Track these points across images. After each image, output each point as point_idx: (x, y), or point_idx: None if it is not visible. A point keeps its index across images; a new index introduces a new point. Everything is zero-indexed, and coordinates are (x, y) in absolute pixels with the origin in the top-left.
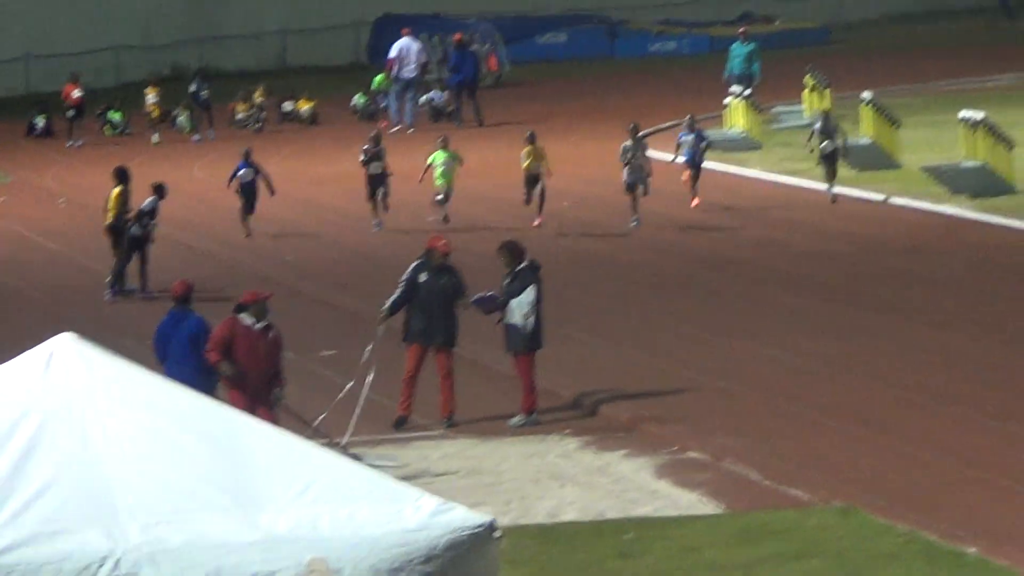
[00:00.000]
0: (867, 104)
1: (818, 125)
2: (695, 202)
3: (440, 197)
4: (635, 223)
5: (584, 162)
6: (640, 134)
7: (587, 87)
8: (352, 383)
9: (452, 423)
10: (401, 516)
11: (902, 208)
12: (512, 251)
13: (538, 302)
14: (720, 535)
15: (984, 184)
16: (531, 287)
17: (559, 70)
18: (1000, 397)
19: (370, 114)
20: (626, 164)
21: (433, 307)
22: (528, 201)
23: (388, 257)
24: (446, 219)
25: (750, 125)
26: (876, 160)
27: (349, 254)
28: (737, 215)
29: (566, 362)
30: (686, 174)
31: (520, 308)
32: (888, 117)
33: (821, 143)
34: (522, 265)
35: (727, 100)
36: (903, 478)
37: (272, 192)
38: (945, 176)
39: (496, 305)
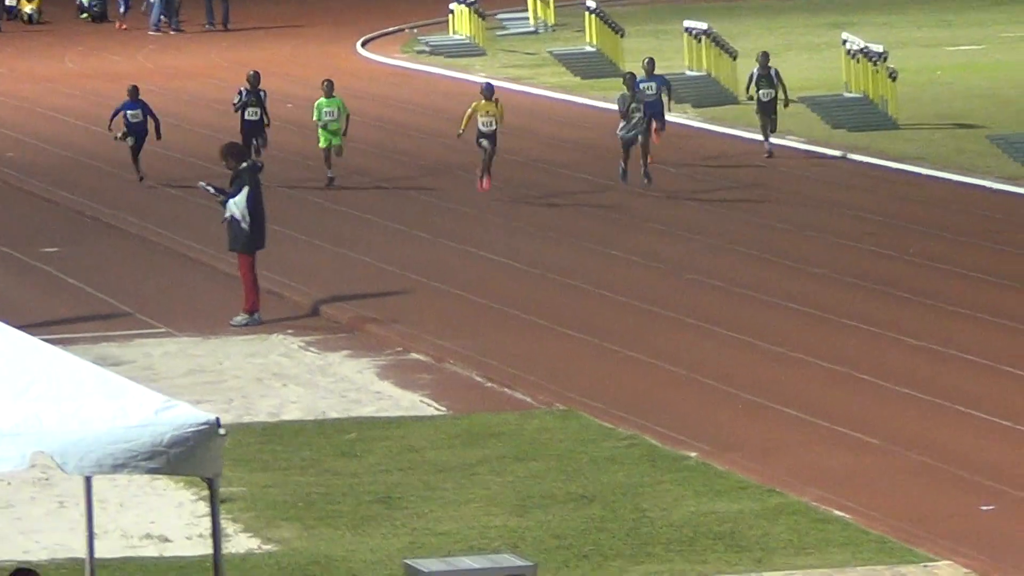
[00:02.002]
0: (591, 13)
1: (756, 71)
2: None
3: (328, 170)
4: (646, 182)
5: (308, 64)
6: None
7: None
8: None
9: None
10: (125, 412)
11: None
12: (232, 152)
13: (257, 202)
14: (442, 436)
15: (707, 94)
16: (245, 188)
17: None
18: (718, 303)
19: (99, 15)
20: (623, 116)
21: None
22: (486, 160)
23: (112, 157)
24: (331, 182)
25: (475, 32)
26: (600, 68)
27: (75, 153)
28: (460, 122)
29: (289, 263)
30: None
31: (236, 207)
32: (612, 26)
33: (759, 90)
34: (243, 166)
35: (452, 6)
36: (625, 383)
37: (159, 136)
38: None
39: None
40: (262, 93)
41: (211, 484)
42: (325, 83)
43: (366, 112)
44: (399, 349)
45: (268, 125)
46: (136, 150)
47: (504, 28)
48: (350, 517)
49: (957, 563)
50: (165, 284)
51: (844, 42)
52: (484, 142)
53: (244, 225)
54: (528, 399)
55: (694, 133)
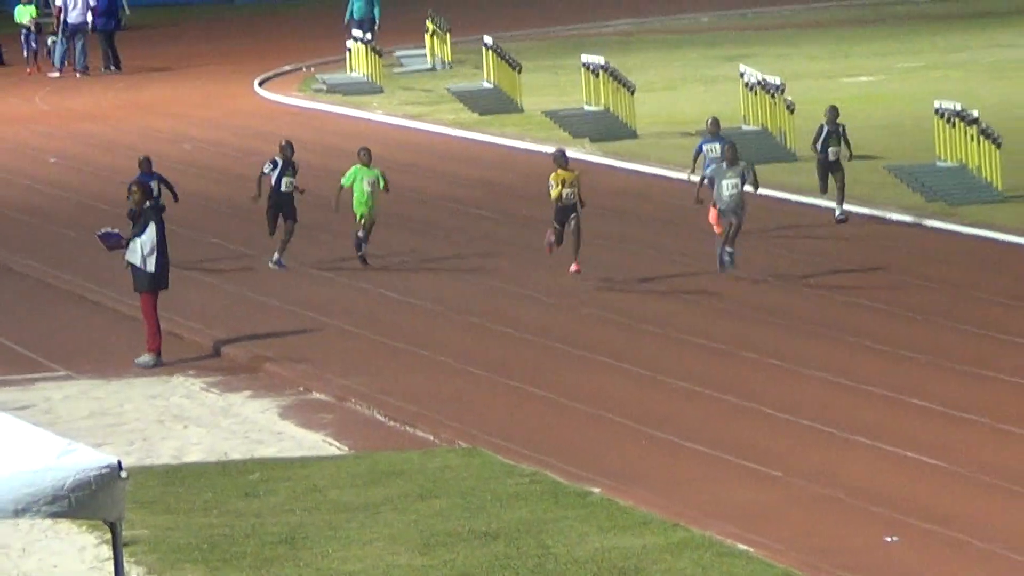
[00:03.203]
0: (488, 49)
1: (824, 126)
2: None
3: (361, 233)
4: (728, 264)
5: (206, 105)
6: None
7: (208, 32)
8: None
9: None
10: (26, 457)
11: (527, 153)
12: (140, 191)
13: (162, 242)
14: (345, 476)
15: (606, 128)
16: (150, 226)
17: (178, 15)
18: (618, 337)
19: None
20: (706, 180)
21: None
22: (559, 242)
23: (9, 200)
24: (364, 260)
25: (372, 69)
26: (498, 104)
27: None
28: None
29: (191, 304)
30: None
31: (141, 248)
32: (509, 62)
33: (827, 148)
34: (147, 205)
35: (349, 44)
36: (527, 419)
37: (176, 199)
38: (567, 121)
39: (118, 243)
40: (295, 165)
41: (113, 527)
42: (363, 151)
43: (265, 152)
44: (301, 389)
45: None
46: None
47: (401, 65)
48: (254, 558)
49: None
50: (65, 327)
51: (742, 75)
52: (560, 225)
53: (144, 263)
54: (431, 437)
55: (593, 168)
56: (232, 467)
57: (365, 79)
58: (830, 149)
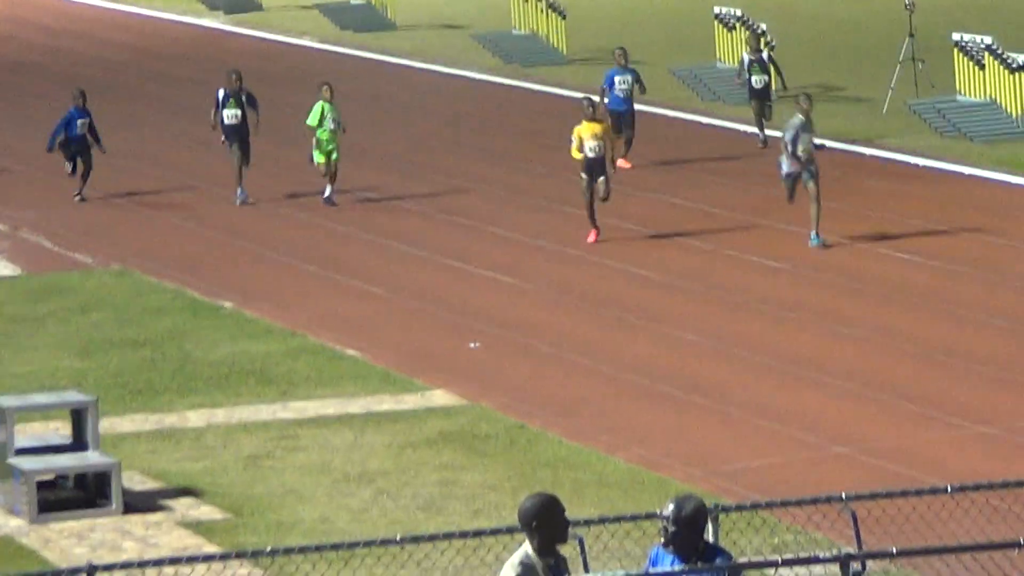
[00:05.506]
0: None
1: (746, 56)
2: (624, 163)
3: (328, 189)
4: (817, 241)
5: None
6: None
7: None
8: None
9: None
10: None
11: (169, 22)
12: None
13: None
14: (18, 293)
15: (235, 1)
16: None
17: None
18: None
19: None
20: (790, 148)
21: None
22: (589, 197)
23: None
24: (332, 201)
25: None
26: None
27: None
28: (27, 27)
29: None
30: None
31: None
32: None
33: (751, 76)
34: None
35: None
36: (170, 245)
37: (102, 150)
38: None
39: None
40: (244, 96)
41: None
42: (326, 86)
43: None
44: None
45: (254, 129)
46: (89, 165)
47: None
48: None
49: (449, 391)
50: None
51: None
52: (589, 177)
53: None
54: (89, 260)
55: (226, 35)
56: None
57: None
58: (754, 77)
